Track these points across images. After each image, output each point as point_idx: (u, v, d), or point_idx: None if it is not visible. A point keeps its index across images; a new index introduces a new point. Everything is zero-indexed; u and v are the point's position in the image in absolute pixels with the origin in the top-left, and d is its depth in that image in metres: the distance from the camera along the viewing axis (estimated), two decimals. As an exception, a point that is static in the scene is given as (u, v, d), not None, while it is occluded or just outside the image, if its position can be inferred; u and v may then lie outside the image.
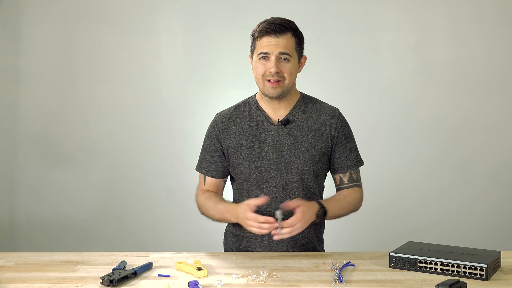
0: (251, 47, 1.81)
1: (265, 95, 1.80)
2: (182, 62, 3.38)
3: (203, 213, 1.89)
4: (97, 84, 3.37)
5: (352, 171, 1.88)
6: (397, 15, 3.31)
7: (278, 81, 1.75)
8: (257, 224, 1.63)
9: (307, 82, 3.05)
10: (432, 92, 3.31)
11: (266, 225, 1.62)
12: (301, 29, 1.82)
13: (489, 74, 3.29)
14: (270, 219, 1.62)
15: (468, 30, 3.29)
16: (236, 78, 3.28)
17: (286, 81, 1.76)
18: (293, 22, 1.79)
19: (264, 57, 1.74)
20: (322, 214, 1.74)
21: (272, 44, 1.73)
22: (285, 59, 1.74)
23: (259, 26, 1.77)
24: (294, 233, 1.64)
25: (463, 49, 3.29)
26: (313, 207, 1.71)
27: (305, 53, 1.85)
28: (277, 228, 1.62)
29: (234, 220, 1.76)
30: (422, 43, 3.30)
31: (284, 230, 1.62)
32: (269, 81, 1.75)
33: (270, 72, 1.73)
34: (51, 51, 3.37)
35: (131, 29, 3.36)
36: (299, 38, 1.79)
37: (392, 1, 3.31)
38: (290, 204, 1.66)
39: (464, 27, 3.29)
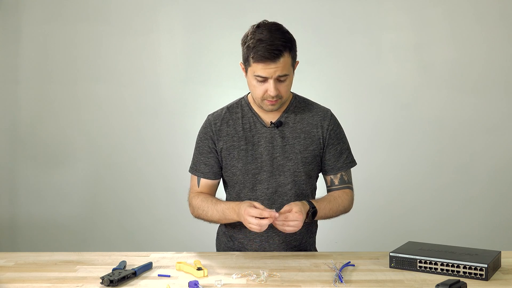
0: (243, 59, 1.75)
1: (262, 108, 1.80)
2: (182, 62, 3.38)
3: (198, 215, 1.87)
4: (97, 84, 3.37)
5: (343, 173, 1.88)
6: (397, 15, 3.31)
7: (277, 100, 1.74)
8: (256, 221, 1.62)
9: (307, 82, 3.07)
10: (432, 92, 3.31)
11: (265, 221, 1.62)
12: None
13: (490, 74, 3.29)
14: (273, 213, 1.61)
15: (469, 30, 3.29)
16: (236, 78, 3.27)
17: (284, 98, 1.76)
18: (286, 33, 1.71)
19: (262, 79, 1.71)
20: (312, 214, 1.75)
21: (270, 68, 1.67)
22: (282, 80, 1.71)
23: (253, 46, 1.67)
24: (289, 229, 1.64)
25: (463, 49, 3.29)
26: (305, 206, 1.71)
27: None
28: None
29: (236, 218, 1.74)
30: (422, 43, 3.30)
31: (279, 222, 1.64)
32: (268, 100, 1.74)
33: (270, 95, 1.71)
34: (51, 51, 3.37)
35: (131, 29, 3.36)
36: (294, 51, 1.73)
37: (392, 1, 3.31)
38: (283, 211, 1.66)
39: (464, 27, 3.29)
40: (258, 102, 1.77)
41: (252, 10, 3.26)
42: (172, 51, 3.37)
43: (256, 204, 1.66)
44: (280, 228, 1.66)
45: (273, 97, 1.72)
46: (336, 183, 1.88)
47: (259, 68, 1.68)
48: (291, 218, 1.64)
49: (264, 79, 1.70)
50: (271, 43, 1.66)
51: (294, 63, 1.76)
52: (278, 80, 1.71)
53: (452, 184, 3.32)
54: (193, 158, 1.91)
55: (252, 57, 1.68)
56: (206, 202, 1.83)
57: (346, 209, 1.87)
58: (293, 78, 1.80)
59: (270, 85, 1.70)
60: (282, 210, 1.67)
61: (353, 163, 1.91)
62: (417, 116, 3.32)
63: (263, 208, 1.64)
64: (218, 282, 1.45)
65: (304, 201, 1.74)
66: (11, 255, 1.75)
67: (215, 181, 1.91)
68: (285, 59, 1.68)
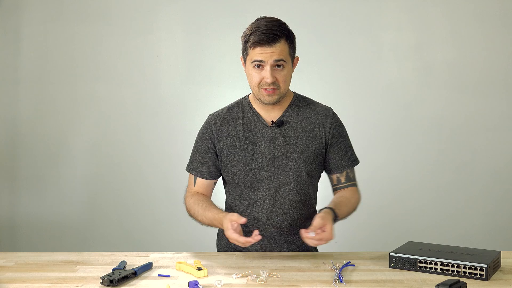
0: (242, 51, 1.78)
1: (261, 101, 1.79)
2: (182, 62, 3.38)
3: (191, 215, 1.87)
4: (97, 84, 3.37)
5: (349, 170, 1.88)
6: (397, 15, 3.31)
7: (274, 89, 1.74)
8: (239, 243, 1.61)
9: (307, 82, 3.07)
10: (433, 92, 3.31)
11: (247, 241, 1.60)
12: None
13: (490, 74, 3.29)
14: (250, 239, 1.59)
15: (469, 30, 3.28)
16: (236, 78, 3.26)
17: (282, 89, 1.75)
18: (284, 24, 1.75)
19: (259, 65, 1.72)
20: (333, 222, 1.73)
21: (266, 52, 1.69)
22: (279, 66, 1.72)
23: (251, 33, 1.71)
24: (320, 243, 1.62)
25: (463, 49, 3.29)
26: (332, 218, 1.67)
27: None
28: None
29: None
30: (422, 43, 3.30)
31: (315, 240, 1.60)
32: (265, 89, 1.74)
33: (266, 81, 1.72)
34: (51, 51, 3.37)
35: (131, 29, 3.36)
36: (291, 42, 1.75)
37: (392, 1, 3.31)
38: (316, 225, 1.60)
39: (464, 27, 3.29)
40: (256, 92, 1.77)
41: (252, 10, 3.24)
42: (172, 51, 3.37)
43: (235, 217, 1.62)
44: (310, 243, 1.62)
45: (269, 85, 1.72)
46: (343, 181, 1.87)
47: (256, 53, 1.71)
48: (325, 238, 1.60)
49: (261, 65, 1.71)
50: (268, 29, 1.70)
51: (292, 54, 1.76)
52: (275, 66, 1.71)
53: (452, 184, 3.32)
54: (191, 157, 1.92)
55: (250, 43, 1.71)
56: (197, 206, 1.82)
57: (356, 208, 1.87)
58: (293, 77, 1.80)
59: (266, 72, 1.71)
60: (315, 224, 1.60)
61: (356, 160, 1.91)
62: (417, 116, 3.32)
63: (243, 221, 1.61)
64: (218, 282, 1.45)
65: (329, 211, 1.69)
66: (11, 255, 1.75)
67: (211, 181, 1.90)
68: (282, 45, 1.71)
